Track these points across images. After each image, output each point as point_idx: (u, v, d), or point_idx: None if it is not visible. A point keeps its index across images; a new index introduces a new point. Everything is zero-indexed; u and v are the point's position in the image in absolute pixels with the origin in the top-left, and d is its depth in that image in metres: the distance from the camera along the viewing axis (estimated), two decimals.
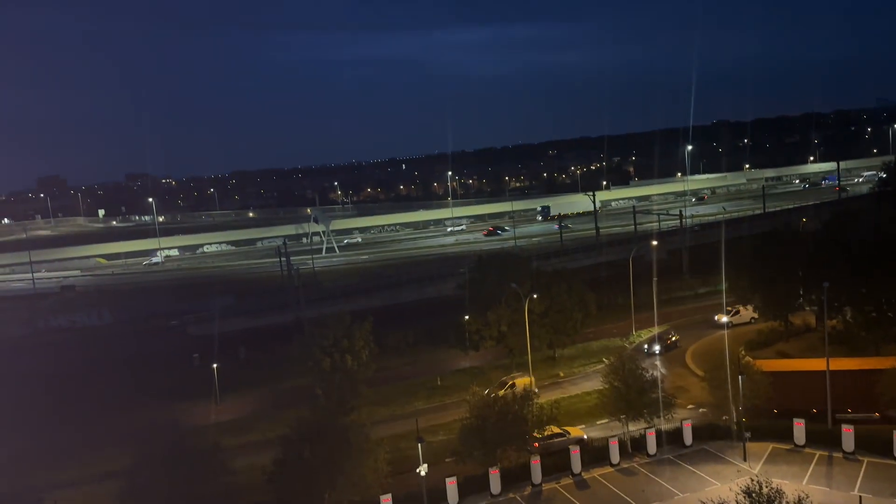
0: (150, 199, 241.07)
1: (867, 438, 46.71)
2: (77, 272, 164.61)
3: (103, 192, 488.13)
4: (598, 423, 55.51)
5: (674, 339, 73.92)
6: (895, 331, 58.74)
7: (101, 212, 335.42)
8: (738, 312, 76.10)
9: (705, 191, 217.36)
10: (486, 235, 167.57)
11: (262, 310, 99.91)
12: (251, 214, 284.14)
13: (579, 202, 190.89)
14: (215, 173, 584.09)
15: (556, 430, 51.38)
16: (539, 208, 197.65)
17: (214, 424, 63.78)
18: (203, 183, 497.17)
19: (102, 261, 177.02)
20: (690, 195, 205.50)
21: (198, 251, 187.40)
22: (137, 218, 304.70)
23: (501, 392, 56.23)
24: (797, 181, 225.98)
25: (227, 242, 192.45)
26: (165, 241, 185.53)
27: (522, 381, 60.52)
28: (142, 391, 74.87)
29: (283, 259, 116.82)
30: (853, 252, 60.59)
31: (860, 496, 35.89)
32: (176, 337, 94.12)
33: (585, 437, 52.41)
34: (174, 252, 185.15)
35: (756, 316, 75.17)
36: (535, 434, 49.75)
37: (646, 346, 73.20)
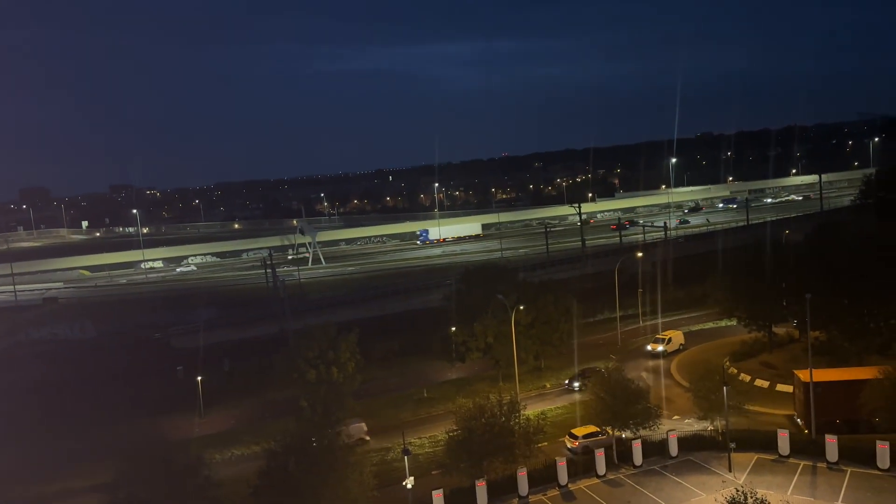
0: (135, 211, 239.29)
1: (851, 449, 47.12)
2: (60, 284, 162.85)
3: (87, 203, 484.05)
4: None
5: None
6: (878, 341, 59.35)
7: (85, 223, 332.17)
8: (669, 340, 74.47)
9: (690, 202, 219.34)
10: None
11: (247, 322, 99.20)
12: (236, 226, 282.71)
13: (466, 226, 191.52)
14: (200, 185, 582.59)
15: (595, 429, 52.82)
16: (418, 232, 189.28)
17: (199, 437, 63.17)
18: (188, 194, 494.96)
19: (86, 273, 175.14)
20: (685, 206, 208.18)
21: (182, 263, 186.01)
22: (121, 229, 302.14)
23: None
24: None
25: (213, 254, 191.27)
26: (150, 253, 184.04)
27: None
28: (125, 404, 73.93)
29: (268, 270, 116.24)
30: (834, 265, 61.31)
31: None
32: (160, 349, 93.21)
33: (624, 435, 52.58)
34: (158, 264, 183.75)
35: (684, 343, 75.56)
36: (573, 432, 52.85)
37: (566, 382, 68.97)
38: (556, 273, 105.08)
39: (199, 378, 69.02)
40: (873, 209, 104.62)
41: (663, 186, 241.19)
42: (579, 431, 53.75)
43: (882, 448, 45.56)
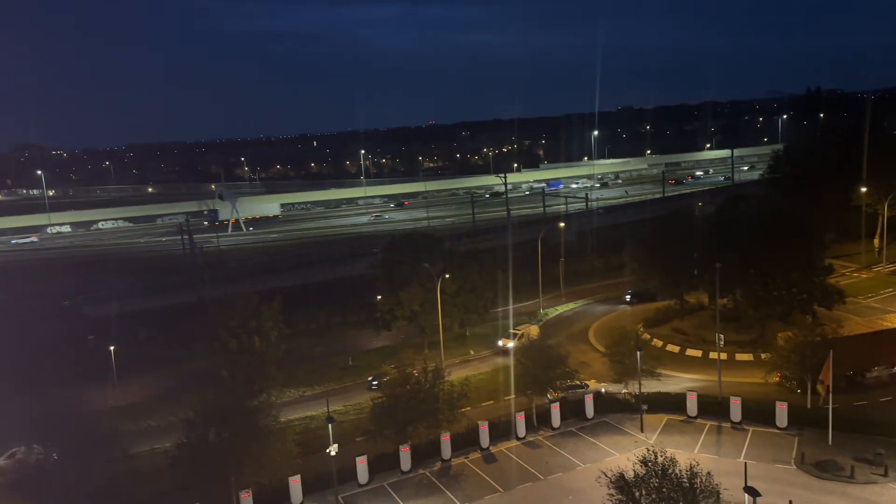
0: (39, 172, 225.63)
1: (753, 409, 50.22)
2: None
3: None
4: (506, 398, 56.94)
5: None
6: (780, 309, 63.11)
7: None
8: (522, 335, 67.53)
9: (610, 175, 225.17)
10: None
11: (162, 290, 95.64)
12: (151, 190, 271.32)
13: (267, 206, 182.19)
14: (111, 146, 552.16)
15: (577, 382, 55.33)
16: (205, 211, 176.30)
17: (113, 409, 60.94)
18: (97, 156, 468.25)
19: None
20: (611, 176, 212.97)
21: (92, 228, 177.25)
22: (25, 191, 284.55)
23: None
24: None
25: (125, 219, 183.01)
26: (56, 217, 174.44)
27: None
28: (32, 375, 70.27)
29: (185, 237, 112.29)
30: (741, 236, 64.47)
31: (745, 462, 38.63)
32: (70, 318, 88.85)
33: (603, 390, 56.22)
34: (66, 229, 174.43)
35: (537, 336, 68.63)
36: (556, 383, 53.79)
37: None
38: (481, 242, 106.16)
39: (112, 348, 66.42)
40: (780, 183, 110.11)
41: (586, 158, 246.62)
42: (560, 383, 55.07)
43: (781, 408, 48.79)
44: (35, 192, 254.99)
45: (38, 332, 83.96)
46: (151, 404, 62.66)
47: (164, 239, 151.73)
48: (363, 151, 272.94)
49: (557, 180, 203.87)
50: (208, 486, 41.34)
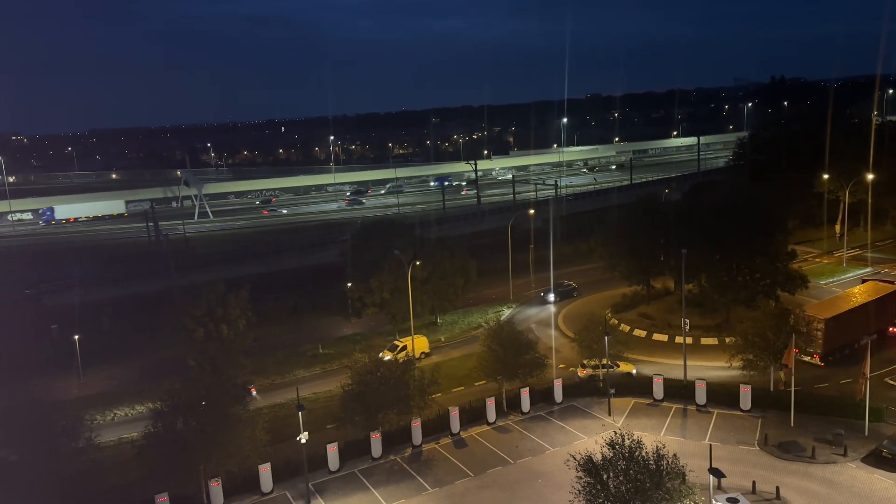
0: None
1: (717, 392, 51.31)
2: None
3: None
4: (476, 384, 57.30)
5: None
6: (744, 294, 64.43)
7: None
8: (404, 348, 62.57)
9: (578, 162, 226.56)
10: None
11: (127, 278, 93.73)
12: (114, 176, 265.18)
13: (103, 204, 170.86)
14: (73, 131, 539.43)
15: (608, 362, 53.96)
16: (41, 210, 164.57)
17: (77, 399, 59.84)
18: (59, 141, 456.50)
19: None
20: (582, 164, 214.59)
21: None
22: None
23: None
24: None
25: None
26: (17, 204, 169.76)
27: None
28: None
29: (150, 224, 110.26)
30: (707, 222, 65.56)
31: (710, 444, 39.50)
32: (31, 307, 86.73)
33: (634, 372, 56.86)
34: (27, 216, 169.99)
35: (427, 350, 65.66)
36: (584, 362, 54.94)
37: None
38: (452, 229, 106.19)
39: (76, 337, 65.11)
40: (745, 170, 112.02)
41: (555, 145, 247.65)
42: (590, 362, 56.65)
43: (745, 391, 49.97)
44: None
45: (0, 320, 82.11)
46: (117, 394, 61.64)
47: (129, 226, 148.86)
48: (332, 137, 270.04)
49: (448, 175, 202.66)
50: (177, 475, 40.95)
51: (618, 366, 56.16)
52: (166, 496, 40.59)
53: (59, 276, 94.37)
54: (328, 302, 77.66)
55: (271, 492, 43.78)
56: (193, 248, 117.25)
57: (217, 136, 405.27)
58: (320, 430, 49.92)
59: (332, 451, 45.79)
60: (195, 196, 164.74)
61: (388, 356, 58.00)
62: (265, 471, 43.61)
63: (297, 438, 42.49)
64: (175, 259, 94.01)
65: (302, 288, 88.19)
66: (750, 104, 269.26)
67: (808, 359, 56.01)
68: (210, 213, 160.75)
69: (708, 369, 56.63)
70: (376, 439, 47.07)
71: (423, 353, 64.98)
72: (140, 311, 78.13)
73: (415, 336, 63.58)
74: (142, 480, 43.10)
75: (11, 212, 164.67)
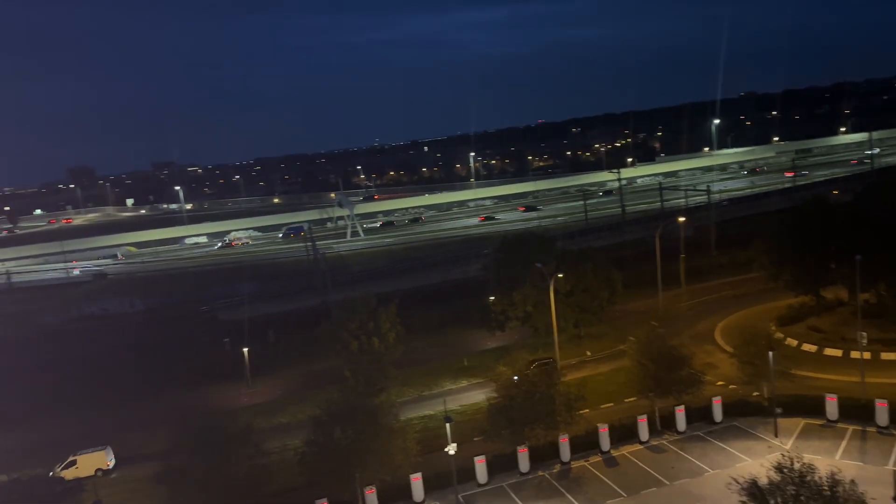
0: (177, 188, 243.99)
1: None
2: (109, 261, 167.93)
3: (131, 181, 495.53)
4: (626, 400, 55.36)
5: None
6: None
7: (130, 201, 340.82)
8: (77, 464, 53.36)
9: (733, 165, 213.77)
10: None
11: (289, 294, 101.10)
12: (276, 200, 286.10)
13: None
14: (240, 160, 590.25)
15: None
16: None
17: (246, 407, 64.94)
18: (228, 170, 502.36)
19: (133, 249, 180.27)
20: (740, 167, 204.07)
21: (225, 238, 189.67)
22: (165, 206, 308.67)
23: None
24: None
25: (254, 228, 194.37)
26: (193, 229, 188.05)
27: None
28: (174, 376, 76.36)
29: (308, 244, 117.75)
30: (884, 224, 59.27)
31: (895, 470, 35.38)
32: (207, 322, 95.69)
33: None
34: (202, 239, 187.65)
35: (107, 467, 54.79)
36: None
37: None
38: (595, 241, 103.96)
39: (246, 349, 70.65)
40: None
41: (706, 149, 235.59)
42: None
43: None
44: (174, 206, 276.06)
45: (180, 335, 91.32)
46: (281, 402, 66.02)
47: (290, 246, 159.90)
48: (472, 154, 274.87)
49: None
50: (335, 482, 43.10)
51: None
52: (325, 501, 42.85)
53: (230, 293, 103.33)
54: (472, 315, 78.66)
55: (423, 502, 44.77)
56: (346, 265, 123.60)
57: (366, 159, 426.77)
58: (467, 442, 50.44)
59: (480, 463, 46.10)
60: (347, 216, 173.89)
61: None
62: (416, 481, 44.72)
63: (446, 450, 43.25)
64: (330, 276, 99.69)
65: (446, 302, 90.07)
66: None
67: None
68: (361, 232, 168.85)
69: (890, 387, 50.85)
70: (523, 454, 46.80)
71: (97, 469, 54.22)
72: (301, 325, 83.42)
73: (93, 452, 54.46)
74: (303, 486, 45.69)
75: (188, 235, 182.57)
